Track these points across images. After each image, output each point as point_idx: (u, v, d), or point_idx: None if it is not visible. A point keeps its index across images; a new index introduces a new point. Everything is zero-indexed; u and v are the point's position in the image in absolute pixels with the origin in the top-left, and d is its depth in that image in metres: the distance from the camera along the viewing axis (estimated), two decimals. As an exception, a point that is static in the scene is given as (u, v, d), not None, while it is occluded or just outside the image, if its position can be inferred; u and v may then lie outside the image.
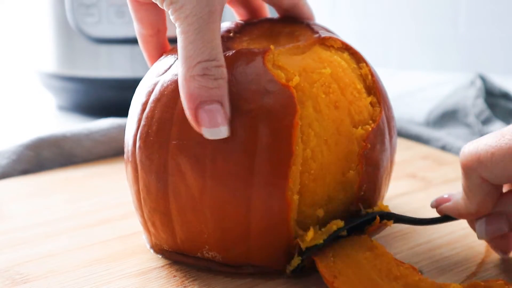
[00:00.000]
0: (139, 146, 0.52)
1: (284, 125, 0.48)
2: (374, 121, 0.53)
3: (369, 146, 0.52)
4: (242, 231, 0.50)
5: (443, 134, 0.92)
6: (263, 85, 0.49)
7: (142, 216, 0.54)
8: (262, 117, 0.49)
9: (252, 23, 0.58)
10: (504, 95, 1.00)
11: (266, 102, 0.49)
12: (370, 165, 0.52)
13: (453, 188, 0.71)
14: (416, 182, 0.73)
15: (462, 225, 0.62)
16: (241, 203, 0.49)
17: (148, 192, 0.52)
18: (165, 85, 0.52)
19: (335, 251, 0.50)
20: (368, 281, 0.48)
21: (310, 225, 0.52)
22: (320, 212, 0.51)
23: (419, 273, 0.49)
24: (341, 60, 0.54)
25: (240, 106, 0.49)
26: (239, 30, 0.57)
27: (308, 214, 0.51)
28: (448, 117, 0.96)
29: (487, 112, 0.92)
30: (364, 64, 0.56)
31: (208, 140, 0.48)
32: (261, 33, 0.58)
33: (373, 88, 0.55)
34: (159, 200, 0.51)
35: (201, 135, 0.48)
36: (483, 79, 1.01)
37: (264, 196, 0.49)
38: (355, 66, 0.55)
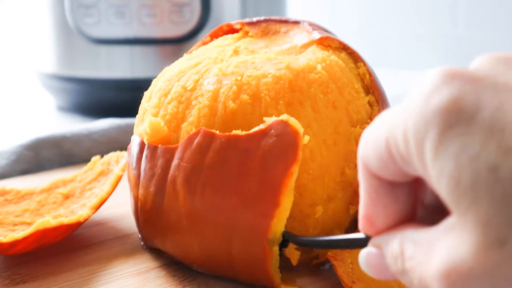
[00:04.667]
0: (146, 155, 0.52)
1: (274, 173, 0.45)
2: (372, 120, 0.53)
3: None
4: (225, 261, 0.49)
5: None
6: (271, 124, 0.47)
7: (137, 221, 0.54)
8: (256, 160, 0.46)
9: (251, 23, 0.59)
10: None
11: (264, 144, 0.46)
12: (369, 164, 0.52)
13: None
14: (415, 182, 0.73)
15: (461, 225, 0.62)
16: (223, 240, 0.48)
17: (145, 202, 0.52)
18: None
19: (354, 259, 0.50)
20: None
21: (309, 225, 0.52)
22: (319, 210, 0.51)
23: None
24: (339, 60, 0.54)
25: (239, 142, 0.47)
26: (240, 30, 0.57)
27: (307, 213, 0.51)
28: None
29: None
30: (362, 64, 0.56)
31: (204, 168, 0.47)
32: (259, 32, 0.58)
33: (371, 88, 0.55)
34: (153, 214, 0.51)
35: (199, 160, 0.48)
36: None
37: (244, 242, 0.47)
38: (352, 65, 0.56)
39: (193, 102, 0.51)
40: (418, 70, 1.47)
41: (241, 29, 0.60)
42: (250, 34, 0.59)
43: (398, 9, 1.55)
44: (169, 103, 0.53)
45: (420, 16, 1.53)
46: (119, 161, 0.62)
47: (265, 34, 0.58)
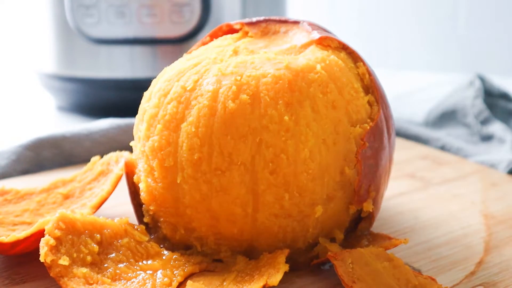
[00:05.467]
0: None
1: None
2: (372, 119, 0.53)
3: (367, 144, 0.52)
4: None
5: (442, 134, 0.92)
6: None
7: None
8: None
9: (251, 23, 0.59)
10: (503, 96, 1.00)
11: None
12: (369, 163, 0.52)
13: (452, 187, 0.71)
14: (415, 182, 0.73)
15: (461, 224, 0.62)
16: None
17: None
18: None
19: (354, 258, 0.50)
20: None
21: (309, 225, 0.52)
22: (319, 209, 0.51)
23: (438, 284, 0.49)
24: (338, 60, 0.54)
25: None
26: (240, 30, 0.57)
27: (307, 213, 0.51)
28: (447, 117, 0.97)
29: (486, 113, 0.93)
30: (361, 63, 0.56)
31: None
32: (259, 33, 0.58)
33: (371, 87, 0.55)
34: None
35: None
36: (482, 79, 1.01)
37: None
38: (352, 65, 0.56)
39: (193, 102, 0.51)
40: (418, 70, 1.47)
41: (240, 29, 0.60)
42: (249, 34, 0.59)
43: (398, 9, 1.55)
44: (168, 103, 0.53)
45: (420, 16, 1.53)
46: (118, 161, 0.62)
47: (264, 34, 0.58)
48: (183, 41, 0.95)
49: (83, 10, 0.94)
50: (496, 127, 0.89)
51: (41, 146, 0.78)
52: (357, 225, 0.56)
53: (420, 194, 0.70)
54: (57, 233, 0.50)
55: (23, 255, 0.55)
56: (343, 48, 0.57)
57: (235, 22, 0.60)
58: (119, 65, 0.97)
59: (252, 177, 0.50)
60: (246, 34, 0.59)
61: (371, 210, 0.53)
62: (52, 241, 0.49)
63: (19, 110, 1.13)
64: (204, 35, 0.95)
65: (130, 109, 0.93)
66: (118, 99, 0.99)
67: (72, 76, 0.99)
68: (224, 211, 0.51)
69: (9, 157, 0.76)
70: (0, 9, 1.32)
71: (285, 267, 0.49)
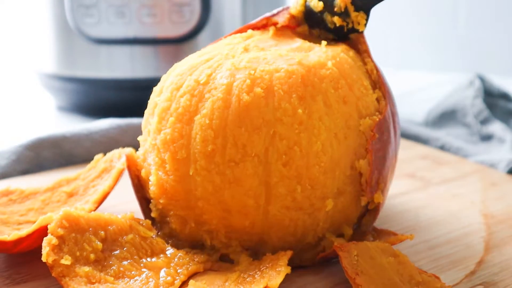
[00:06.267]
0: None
1: None
2: (380, 113, 0.54)
3: (377, 136, 0.52)
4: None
5: (442, 134, 0.92)
6: None
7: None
8: None
9: (274, 14, 0.60)
10: (503, 96, 1.00)
11: None
12: (378, 155, 0.53)
13: (451, 187, 0.71)
14: (415, 181, 0.73)
15: (461, 224, 0.62)
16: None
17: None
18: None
19: (360, 251, 0.50)
20: (390, 283, 0.48)
21: (319, 219, 0.52)
22: (330, 203, 0.52)
23: (442, 282, 0.49)
24: (348, 58, 0.55)
25: None
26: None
27: (318, 207, 0.52)
28: (447, 117, 0.97)
29: (486, 112, 0.93)
30: (370, 60, 0.57)
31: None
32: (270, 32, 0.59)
33: (378, 83, 0.56)
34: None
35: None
36: (482, 79, 1.01)
37: None
38: (360, 63, 0.57)
39: (206, 95, 0.52)
40: (418, 70, 1.47)
41: (266, 24, 0.60)
42: (278, 25, 0.60)
43: (398, 9, 1.55)
44: (181, 96, 0.53)
45: (420, 16, 1.53)
46: (121, 158, 0.62)
47: (274, 34, 0.59)
48: (183, 41, 0.95)
49: (83, 10, 0.94)
50: (496, 127, 0.89)
51: (41, 146, 0.78)
52: (364, 218, 0.56)
53: (420, 194, 0.70)
54: (60, 231, 0.50)
55: (24, 254, 0.55)
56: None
57: (259, 19, 0.61)
58: (119, 65, 0.96)
59: (265, 169, 0.50)
60: (260, 29, 0.60)
61: (381, 201, 0.54)
62: (54, 241, 0.49)
63: (19, 110, 1.13)
64: (204, 35, 0.95)
65: (130, 109, 0.93)
66: (118, 99, 0.99)
67: (72, 76, 0.99)
68: (236, 203, 0.51)
69: (9, 157, 0.76)
70: (0, 9, 1.32)
71: (286, 270, 0.49)
